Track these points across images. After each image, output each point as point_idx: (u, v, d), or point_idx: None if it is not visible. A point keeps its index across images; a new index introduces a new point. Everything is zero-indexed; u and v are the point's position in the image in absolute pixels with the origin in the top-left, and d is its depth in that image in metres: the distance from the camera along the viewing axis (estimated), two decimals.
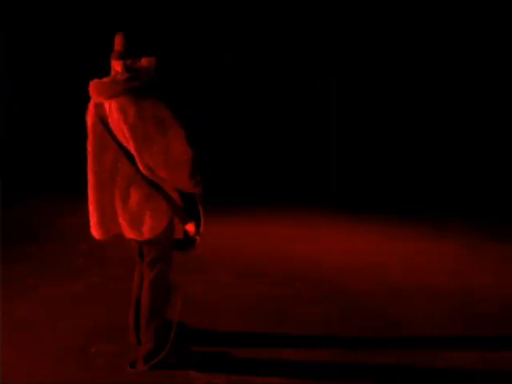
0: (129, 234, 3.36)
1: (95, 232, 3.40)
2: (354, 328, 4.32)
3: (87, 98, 3.40)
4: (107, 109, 3.28)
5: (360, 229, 7.14)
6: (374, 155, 10.48)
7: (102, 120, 3.29)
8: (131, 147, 3.25)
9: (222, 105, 11.01)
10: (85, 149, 3.41)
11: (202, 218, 3.45)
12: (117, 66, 3.31)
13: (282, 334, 4.23)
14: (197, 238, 3.48)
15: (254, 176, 9.66)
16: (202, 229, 3.47)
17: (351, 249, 6.31)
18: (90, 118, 3.35)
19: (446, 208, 8.11)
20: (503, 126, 10.44)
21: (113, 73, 3.35)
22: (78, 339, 4.10)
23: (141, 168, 3.26)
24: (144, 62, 3.32)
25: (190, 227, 3.43)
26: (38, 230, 6.87)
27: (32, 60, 10.49)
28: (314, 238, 6.73)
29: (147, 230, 3.32)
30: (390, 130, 10.82)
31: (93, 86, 3.32)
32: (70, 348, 3.97)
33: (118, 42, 3.31)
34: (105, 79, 3.33)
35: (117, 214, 3.34)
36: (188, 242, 3.49)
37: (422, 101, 10.81)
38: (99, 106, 3.31)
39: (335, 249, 6.30)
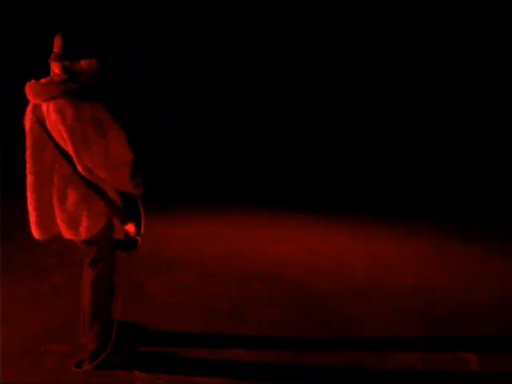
0: (66, 234, 3.38)
1: (35, 232, 3.42)
2: (309, 329, 4.33)
3: None
4: (45, 110, 3.29)
5: (333, 229, 7.16)
6: (357, 157, 10.47)
7: (40, 121, 3.31)
8: (69, 149, 3.26)
9: (222, 105, 10.98)
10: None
11: (143, 219, 3.47)
12: (55, 67, 3.33)
13: (237, 335, 4.23)
14: (138, 238, 3.50)
15: (230, 178, 9.67)
16: (142, 229, 3.48)
17: (320, 249, 6.32)
18: (27, 121, 3.37)
19: (422, 209, 8.11)
20: (495, 128, 10.41)
21: (51, 74, 3.36)
22: (31, 339, 4.11)
23: (79, 169, 3.27)
24: (83, 63, 3.33)
25: (130, 228, 3.45)
26: (12, 230, 6.90)
27: (31, 61, 10.50)
28: (286, 238, 6.74)
29: (84, 231, 3.34)
30: (375, 132, 10.81)
31: (29, 88, 3.33)
32: (21, 348, 3.98)
33: (57, 43, 3.32)
34: (42, 80, 3.35)
35: (55, 214, 3.36)
36: (129, 242, 3.51)
37: (413, 101, 10.80)
38: (37, 108, 3.33)
39: (305, 249, 6.31)
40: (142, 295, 4.98)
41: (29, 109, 3.38)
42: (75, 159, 3.26)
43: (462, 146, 10.27)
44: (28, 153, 3.36)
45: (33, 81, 3.35)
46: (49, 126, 3.30)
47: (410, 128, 10.61)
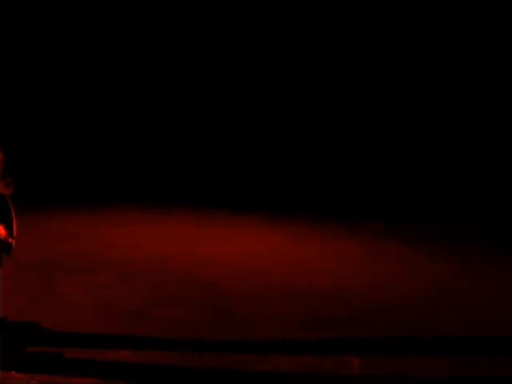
0: None
1: None
2: (206, 330, 4.32)
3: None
4: None
5: (273, 230, 7.17)
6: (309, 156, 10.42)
7: None
8: None
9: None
10: None
11: (15, 220, 3.46)
12: None
13: (133, 336, 4.23)
14: (10, 241, 3.48)
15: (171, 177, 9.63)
16: (15, 232, 3.47)
17: (251, 250, 6.33)
18: None
19: (367, 209, 8.12)
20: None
21: None
22: None
23: None
24: None
25: (0, 230, 3.44)
26: None
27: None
28: (220, 239, 6.76)
29: None
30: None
31: None
32: None
33: None
34: None
35: None
36: (1, 245, 3.49)
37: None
38: None
39: (235, 250, 6.32)
40: (55, 296, 4.99)
41: None
42: None
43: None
44: None
45: None
46: None
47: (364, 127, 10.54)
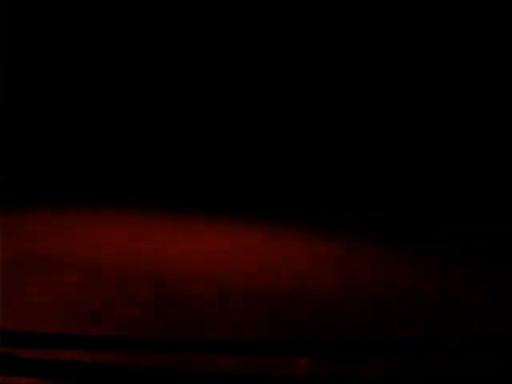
0: None
1: None
2: (158, 330, 4.33)
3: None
4: None
5: (249, 230, 7.18)
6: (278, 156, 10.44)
7: None
8: None
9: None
10: None
11: None
12: None
13: (89, 336, 4.25)
14: None
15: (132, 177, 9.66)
16: None
17: (219, 250, 6.35)
18: None
19: (347, 210, 8.12)
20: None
21: None
22: None
23: None
24: None
25: None
26: None
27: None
28: (191, 239, 6.77)
29: None
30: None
31: None
32: None
33: None
34: None
35: None
36: None
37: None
38: None
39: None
40: (16, 295, 5.01)
41: None
42: None
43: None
44: None
45: None
46: None
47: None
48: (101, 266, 5.77)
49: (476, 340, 4.17)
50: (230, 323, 4.44)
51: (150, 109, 10.51)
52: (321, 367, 3.79)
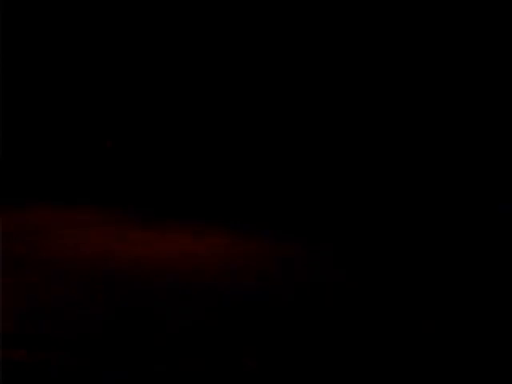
0: None
1: None
2: (110, 329, 4.35)
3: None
4: None
5: (211, 231, 7.34)
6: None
7: None
8: None
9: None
10: None
11: None
12: None
13: (41, 335, 4.25)
14: None
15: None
16: None
17: (186, 251, 6.43)
18: None
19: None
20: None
21: None
22: None
23: None
24: None
25: None
26: None
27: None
28: (165, 240, 6.86)
29: None
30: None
31: None
32: None
33: None
34: None
35: None
36: None
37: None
38: None
39: (170, 251, 6.42)
40: None
41: None
42: None
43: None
44: None
45: None
46: None
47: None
48: (71, 266, 5.81)
49: None
50: (181, 323, 4.48)
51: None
52: (270, 367, 3.83)
